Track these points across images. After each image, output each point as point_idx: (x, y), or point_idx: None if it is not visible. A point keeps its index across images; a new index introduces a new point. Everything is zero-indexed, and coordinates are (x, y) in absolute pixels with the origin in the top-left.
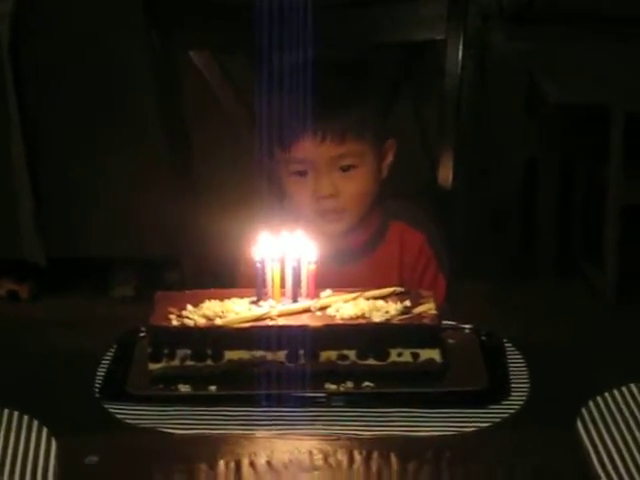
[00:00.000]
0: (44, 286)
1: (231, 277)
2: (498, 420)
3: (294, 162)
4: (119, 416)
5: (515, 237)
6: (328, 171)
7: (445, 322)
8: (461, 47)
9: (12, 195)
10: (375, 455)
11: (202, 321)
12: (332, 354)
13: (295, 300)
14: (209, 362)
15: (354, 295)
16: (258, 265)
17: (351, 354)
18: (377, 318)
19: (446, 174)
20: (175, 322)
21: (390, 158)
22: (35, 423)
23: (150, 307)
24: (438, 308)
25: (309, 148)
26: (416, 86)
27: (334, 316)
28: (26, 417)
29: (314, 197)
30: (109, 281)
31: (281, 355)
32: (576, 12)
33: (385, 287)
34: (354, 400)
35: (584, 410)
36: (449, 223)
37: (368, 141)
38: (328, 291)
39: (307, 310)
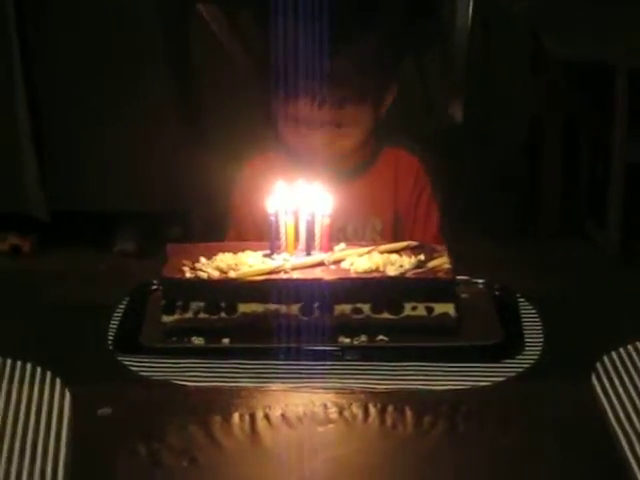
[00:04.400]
0: (46, 240)
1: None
2: (513, 374)
3: (290, 115)
4: (132, 368)
5: (520, 195)
6: (323, 127)
7: (458, 276)
8: (471, 2)
9: (15, 149)
10: (390, 409)
11: (216, 274)
12: (346, 308)
13: (309, 253)
14: (223, 315)
15: (368, 249)
16: (272, 218)
17: (365, 308)
18: (391, 272)
19: (455, 132)
20: (188, 274)
21: (389, 101)
22: (48, 375)
23: (155, 262)
24: (451, 261)
25: (306, 109)
26: (418, 39)
27: (348, 270)
28: (39, 369)
29: (307, 147)
30: (112, 236)
31: (295, 308)
32: None
33: (379, 207)
34: (368, 354)
35: (599, 365)
36: (458, 181)
37: (367, 105)
38: (342, 245)
39: (321, 263)
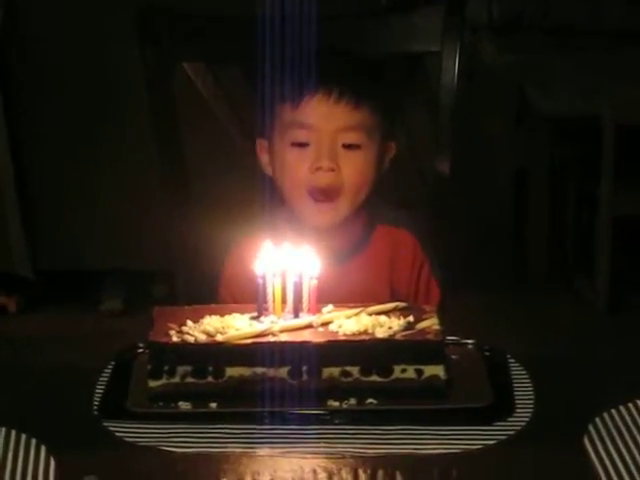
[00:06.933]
0: (32, 299)
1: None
2: (504, 437)
3: (298, 128)
4: (118, 434)
5: (506, 249)
6: (331, 144)
7: (448, 337)
8: (457, 59)
9: (0, 207)
10: (380, 474)
11: (203, 337)
12: (335, 371)
13: (297, 316)
14: (210, 379)
15: (357, 310)
16: (259, 280)
17: (354, 371)
18: (380, 334)
19: (442, 187)
20: (175, 338)
21: (387, 160)
22: (33, 441)
23: (140, 321)
24: (441, 323)
25: (320, 109)
26: (406, 96)
27: (337, 332)
28: (24, 435)
29: (312, 168)
30: (97, 294)
31: (283, 372)
32: (565, 25)
33: (375, 290)
34: (358, 417)
35: (591, 427)
36: (445, 235)
37: (378, 119)
38: (330, 306)
39: (309, 326)
